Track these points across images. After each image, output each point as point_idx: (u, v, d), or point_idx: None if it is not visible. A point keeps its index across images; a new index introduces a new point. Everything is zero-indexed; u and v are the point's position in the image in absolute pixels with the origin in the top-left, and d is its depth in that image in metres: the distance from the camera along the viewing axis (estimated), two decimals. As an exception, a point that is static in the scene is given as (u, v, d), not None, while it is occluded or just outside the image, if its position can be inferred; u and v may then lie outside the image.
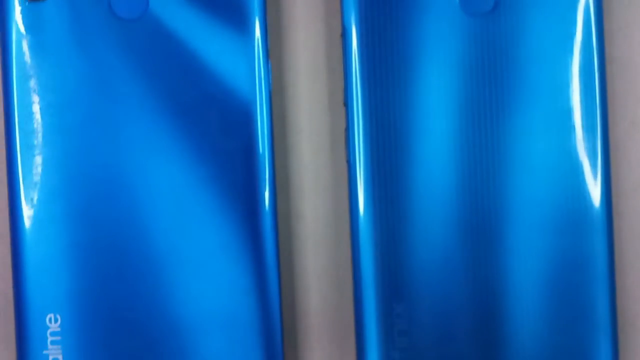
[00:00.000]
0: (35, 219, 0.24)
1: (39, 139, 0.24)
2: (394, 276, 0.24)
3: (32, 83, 0.24)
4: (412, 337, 0.24)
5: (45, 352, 0.24)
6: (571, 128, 0.24)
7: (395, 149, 0.24)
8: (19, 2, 0.24)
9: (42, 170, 0.24)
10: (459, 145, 0.24)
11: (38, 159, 0.24)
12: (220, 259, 0.24)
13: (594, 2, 0.24)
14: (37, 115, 0.24)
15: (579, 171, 0.24)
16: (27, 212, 0.24)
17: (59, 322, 0.24)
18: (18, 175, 0.24)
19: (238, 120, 0.25)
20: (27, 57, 0.24)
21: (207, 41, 0.24)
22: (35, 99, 0.24)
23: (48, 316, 0.24)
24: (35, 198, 0.24)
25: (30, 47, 0.24)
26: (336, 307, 0.26)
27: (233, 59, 0.25)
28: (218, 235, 0.24)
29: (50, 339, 0.24)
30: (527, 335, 0.24)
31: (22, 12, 0.24)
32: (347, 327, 0.26)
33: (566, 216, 0.24)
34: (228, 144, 0.25)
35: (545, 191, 0.24)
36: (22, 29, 0.24)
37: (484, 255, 0.24)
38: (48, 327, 0.24)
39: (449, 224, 0.24)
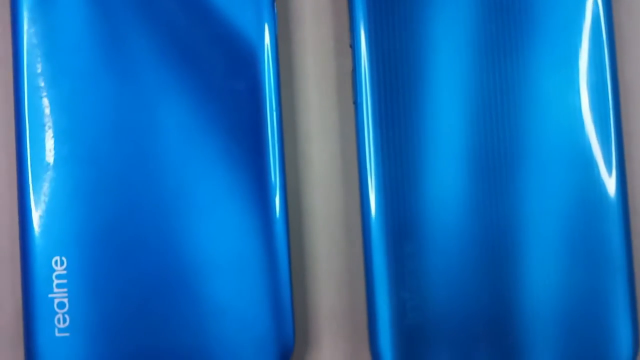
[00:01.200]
0: (42, 159, 0.24)
1: (45, 80, 0.24)
2: (403, 215, 0.24)
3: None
4: (423, 278, 0.24)
5: (50, 295, 0.24)
6: (583, 120, 0.24)
7: (402, 91, 0.24)
8: None
9: (49, 111, 0.24)
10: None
11: (45, 100, 0.24)
12: (228, 200, 0.24)
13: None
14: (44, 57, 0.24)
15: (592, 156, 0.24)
16: (33, 152, 0.24)
17: (65, 264, 0.24)
18: (24, 116, 0.24)
19: (245, 63, 0.24)
20: None
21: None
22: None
23: (54, 258, 0.24)
24: (43, 138, 0.24)
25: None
26: (347, 254, 0.25)
27: (239, 3, 0.25)
28: (225, 176, 0.24)
29: (55, 282, 0.24)
30: (541, 277, 0.24)
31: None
32: (357, 272, 0.25)
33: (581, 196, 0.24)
34: (235, 86, 0.24)
35: (560, 179, 0.24)
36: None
37: (496, 199, 0.24)
38: (54, 270, 0.24)
39: (456, 163, 0.24)
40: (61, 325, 0.24)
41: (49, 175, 0.24)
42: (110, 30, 0.24)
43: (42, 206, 0.24)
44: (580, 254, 0.24)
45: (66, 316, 0.24)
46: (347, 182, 0.25)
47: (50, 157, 0.24)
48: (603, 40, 0.24)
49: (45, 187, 0.24)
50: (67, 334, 0.24)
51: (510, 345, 0.23)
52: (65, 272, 0.24)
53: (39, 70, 0.24)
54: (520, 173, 0.24)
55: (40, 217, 0.24)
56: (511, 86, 0.24)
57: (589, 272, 0.24)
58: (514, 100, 0.24)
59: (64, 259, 0.24)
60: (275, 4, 0.25)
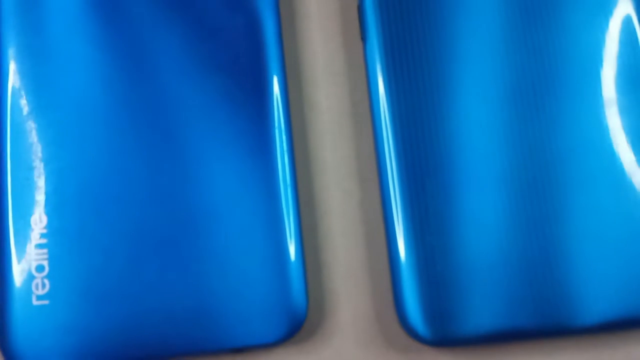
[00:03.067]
0: (18, 103, 0.22)
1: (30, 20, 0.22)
2: (423, 151, 0.21)
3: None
4: (450, 220, 0.21)
5: (27, 258, 0.21)
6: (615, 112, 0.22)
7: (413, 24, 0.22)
8: None
9: (29, 53, 0.22)
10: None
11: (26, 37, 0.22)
12: (230, 150, 0.22)
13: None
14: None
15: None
16: (11, 97, 0.22)
17: (44, 222, 0.21)
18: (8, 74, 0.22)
19: (244, 4, 0.23)
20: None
21: None
22: None
23: (33, 217, 0.21)
24: (24, 87, 0.22)
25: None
26: (361, 206, 0.22)
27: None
28: (227, 124, 0.22)
29: (34, 242, 0.21)
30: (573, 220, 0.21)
31: None
32: (374, 225, 0.22)
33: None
34: (235, 25, 0.22)
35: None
36: None
37: (526, 130, 0.22)
38: (32, 229, 0.21)
39: (478, 95, 0.22)
40: (40, 292, 0.21)
41: (25, 121, 0.22)
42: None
43: (19, 157, 0.21)
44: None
45: (45, 281, 0.21)
46: (357, 127, 0.23)
47: (27, 101, 0.22)
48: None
49: (22, 134, 0.21)
50: (46, 302, 0.21)
51: (545, 289, 0.20)
52: (45, 230, 0.21)
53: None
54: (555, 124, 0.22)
55: (16, 169, 0.21)
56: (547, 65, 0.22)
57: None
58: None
59: (44, 216, 0.21)
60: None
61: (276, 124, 0.22)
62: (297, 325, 0.21)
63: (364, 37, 0.23)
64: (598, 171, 0.21)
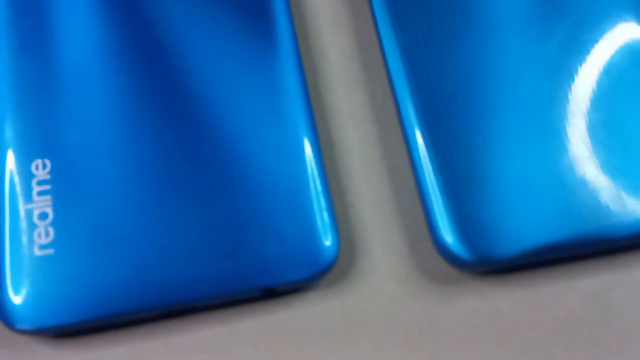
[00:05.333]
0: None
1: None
2: (437, 87, 0.21)
3: None
4: (474, 149, 0.20)
5: (29, 205, 0.19)
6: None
7: None
8: None
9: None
10: None
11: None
12: (247, 98, 0.21)
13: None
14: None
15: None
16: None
17: (48, 168, 0.19)
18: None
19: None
20: None
21: None
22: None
23: (34, 162, 0.20)
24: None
25: None
26: (382, 146, 0.22)
27: None
28: (242, 73, 0.21)
29: (36, 189, 0.19)
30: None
31: None
32: (397, 163, 0.21)
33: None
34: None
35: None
36: None
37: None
38: (34, 176, 0.19)
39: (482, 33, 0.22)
40: (43, 241, 0.19)
41: (27, 63, 0.20)
42: None
43: (21, 100, 0.20)
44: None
45: (49, 229, 0.19)
46: (368, 73, 0.22)
47: (30, 44, 0.20)
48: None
49: (25, 77, 0.20)
50: (50, 251, 0.19)
51: (578, 201, 0.20)
52: (48, 176, 0.19)
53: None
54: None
55: (14, 111, 0.20)
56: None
57: None
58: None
59: (47, 161, 0.20)
60: None
61: (292, 71, 0.21)
62: (330, 262, 0.19)
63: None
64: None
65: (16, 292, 0.18)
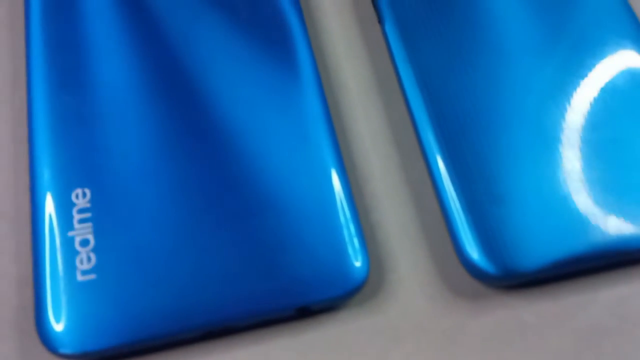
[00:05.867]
0: (45, 66, 0.21)
1: None
2: (453, 103, 0.22)
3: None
4: (493, 164, 0.21)
5: (71, 233, 0.20)
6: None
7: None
8: None
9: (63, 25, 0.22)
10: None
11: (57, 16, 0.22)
12: (273, 125, 0.22)
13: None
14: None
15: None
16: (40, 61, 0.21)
17: (87, 197, 0.20)
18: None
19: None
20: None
21: None
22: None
23: (75, 192, 0.20)
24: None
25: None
26: (403, 167, 0.23)
27: None
28: (277, 103, 0.22)
29: (77, 217, 0.20)
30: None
31: None
32: (419, 183, 0.22)
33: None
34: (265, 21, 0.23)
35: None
36: None
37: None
38: (74, 205, 0.20)
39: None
40: (85, 267, 0.19)
41: (64, 94, 0.21)
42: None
43: (56, 130, 0.21)
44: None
45: (91, 255, 0.19)
46: (385, 100, 0.24)
47: (65, 73, 0.21)
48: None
49: (63, 108, 0.21)
50: (92, 276, 0.19)
51: (596, 213, 0.21)
52: (88, 205, 0.20)
53: None
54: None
55: (54, 143, 0.21)
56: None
57: None
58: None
59: (86, 190, 0.20)
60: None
61: (316, 104, 0.22)
62: (361, 281, 0.20)
63: (381, 20, 0.24)
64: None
65: (59, 317, 0.19)
